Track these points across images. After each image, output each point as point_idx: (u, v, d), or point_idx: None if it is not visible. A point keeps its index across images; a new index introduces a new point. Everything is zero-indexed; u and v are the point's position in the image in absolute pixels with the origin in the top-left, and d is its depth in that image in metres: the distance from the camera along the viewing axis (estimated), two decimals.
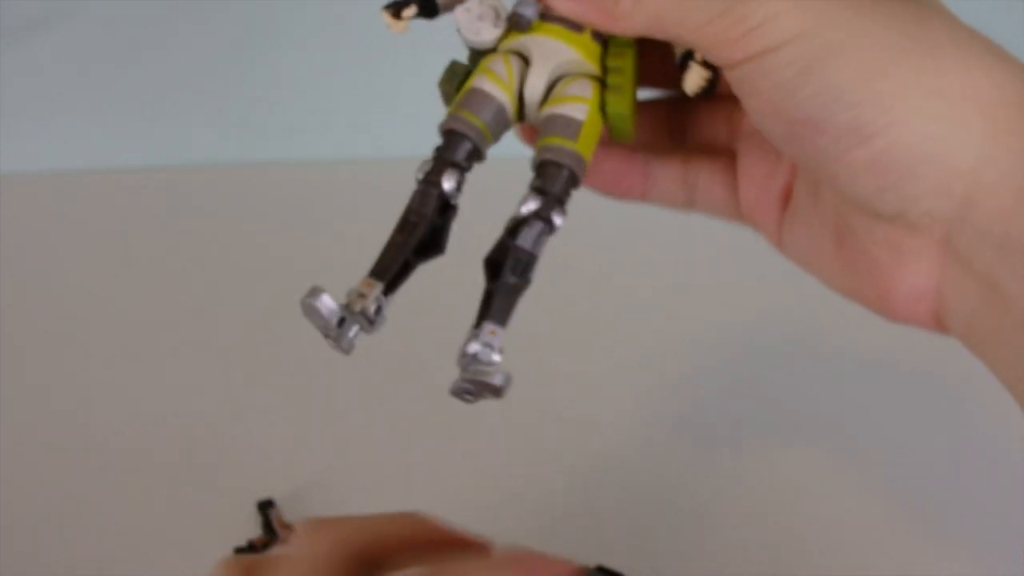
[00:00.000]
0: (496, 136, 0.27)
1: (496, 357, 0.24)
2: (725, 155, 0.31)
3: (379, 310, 0.25)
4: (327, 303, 0.24)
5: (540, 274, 0.28)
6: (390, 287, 0.26)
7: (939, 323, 0.26)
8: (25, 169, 0.74)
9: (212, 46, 0.73)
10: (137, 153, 0.76)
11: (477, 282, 0.27)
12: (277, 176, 0.74)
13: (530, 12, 0.26)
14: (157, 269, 0.62)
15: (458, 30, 0.28)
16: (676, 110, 0.32)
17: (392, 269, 0.26)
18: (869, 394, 0.50)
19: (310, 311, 0.25)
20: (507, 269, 0.25)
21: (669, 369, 0.52)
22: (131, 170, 0.75)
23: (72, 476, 0.46)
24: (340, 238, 0.63)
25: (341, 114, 0.75)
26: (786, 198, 0.29)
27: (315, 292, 0.24)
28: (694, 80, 0.27)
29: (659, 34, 0.25)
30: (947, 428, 0.48)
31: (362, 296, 0.25)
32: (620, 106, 0.27)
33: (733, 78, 0.25)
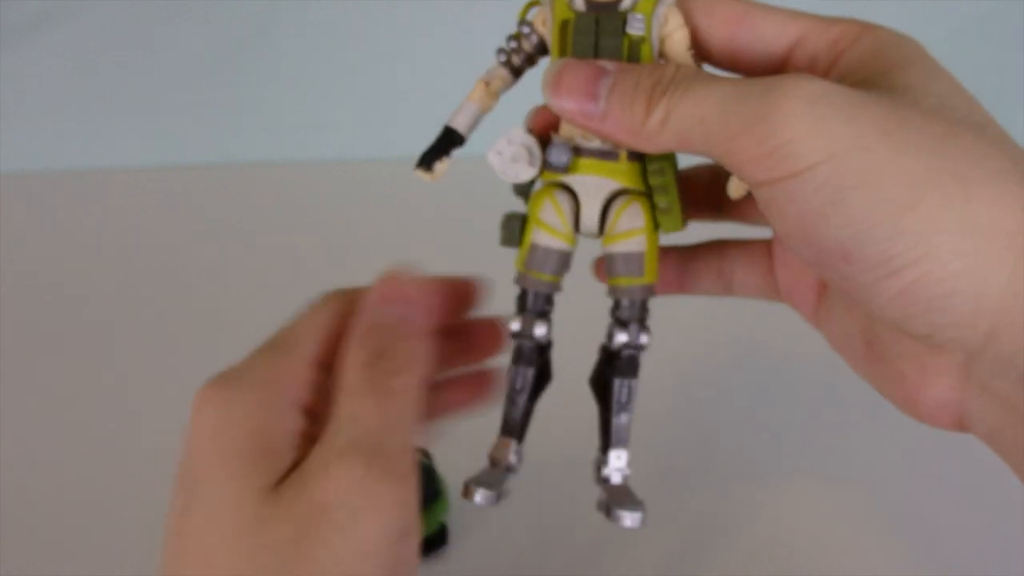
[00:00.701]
0: (565, 271, 0.29)
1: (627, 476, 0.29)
2: (760, 242, 0.31)
3: (519, 457, 0.29)
4: (486, 495, 0.28)
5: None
6: (521, 436, 0.29)
7: (963, 428, 0.26)
8: (25, 169, 0.74)
9: (212, 46, 0.73)
10: (137, 153, 0.76)
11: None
12: (277, 176, 0.74)
13: (564, 158, 0.27)
14: (157, 269, 0.62)
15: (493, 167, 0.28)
16: (713, 189, 0.31)
17: (519, 424, 0.29)
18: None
19: (475, 502, 0.28)
20: (615, 402, 0.28)
21: (676, 388, 0.53)
22: (131, 170, 0.75)
23: (71, 475, 0.46)
24: (340, 238, 0.64)
25: (341, 114, 0.75)
26: (823, 286, 0.30)
27: (470, 492, 0.28)
28: (736, 190, 0.28)
29: (689, 150, 0.25)
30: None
31: (502, 455, 0.29)
32: (672, 225, 0.28)
33: (760, 198, 0.25)
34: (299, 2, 0.71)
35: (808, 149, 0.22)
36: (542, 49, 0.29)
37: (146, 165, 0.75)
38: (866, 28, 0.27)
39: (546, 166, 0.28)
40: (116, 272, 0.62)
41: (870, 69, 0.25)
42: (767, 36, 0.27)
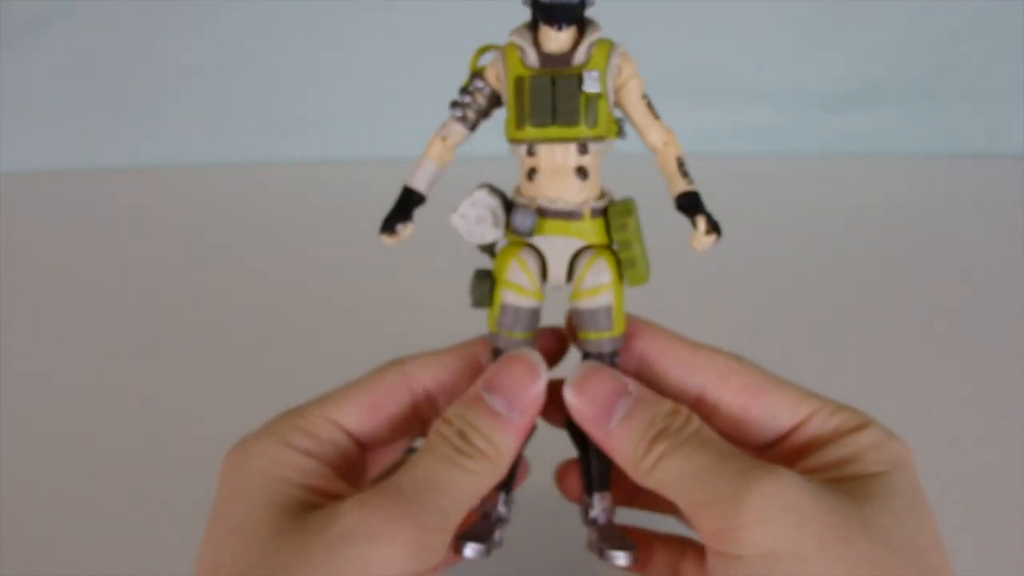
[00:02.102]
0: (536, 325, 0.29)
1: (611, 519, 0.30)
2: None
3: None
4: (476, 549, 0.29)
5: None
6: (509, 487, 0.31)
7: None
8: (25, 169, 0.74)
9: (211, 46, 0.73)
10: (137, 153, 0.76)
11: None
12: (277, 176, 0.74)
13: (529, 222, 0.28)
14: (157, 268, 0.62)
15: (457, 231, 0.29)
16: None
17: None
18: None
19: (466, 556, 0.29)
20: (593, 447, 0.29)
21: None
22: (130, 170, 0.75)
23: (69, 473, 0.46)
24: (340, 238, 0.64)
25: (340, 114, 0.75)
26: None
27: (460, 546, 0.29)
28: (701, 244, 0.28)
29: (666, 496, 0.27)
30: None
31: (491, 507, 0.30)
32: (637, 278, 0.29)
33: (708, 556, 0.26)
34: (299, 3, 0.71)
35: (752, 539, 0.24)
36: (496, 101, 0.29)
37: (146, 165, 0.76)
38: (865, 423, 0.28)
39: (511, 230, 0.28)
40: (116, 271, 0.62)
41: (855, 468, 0.27)
42: (777, 413, 0.29)
